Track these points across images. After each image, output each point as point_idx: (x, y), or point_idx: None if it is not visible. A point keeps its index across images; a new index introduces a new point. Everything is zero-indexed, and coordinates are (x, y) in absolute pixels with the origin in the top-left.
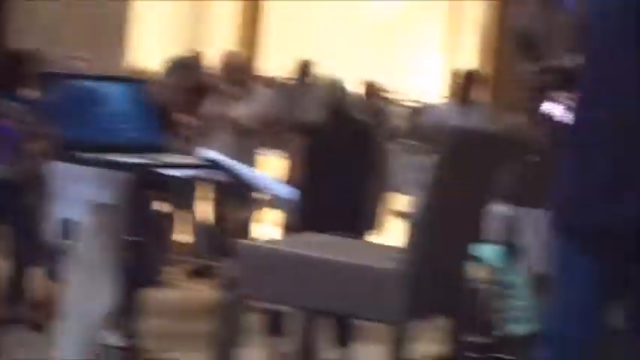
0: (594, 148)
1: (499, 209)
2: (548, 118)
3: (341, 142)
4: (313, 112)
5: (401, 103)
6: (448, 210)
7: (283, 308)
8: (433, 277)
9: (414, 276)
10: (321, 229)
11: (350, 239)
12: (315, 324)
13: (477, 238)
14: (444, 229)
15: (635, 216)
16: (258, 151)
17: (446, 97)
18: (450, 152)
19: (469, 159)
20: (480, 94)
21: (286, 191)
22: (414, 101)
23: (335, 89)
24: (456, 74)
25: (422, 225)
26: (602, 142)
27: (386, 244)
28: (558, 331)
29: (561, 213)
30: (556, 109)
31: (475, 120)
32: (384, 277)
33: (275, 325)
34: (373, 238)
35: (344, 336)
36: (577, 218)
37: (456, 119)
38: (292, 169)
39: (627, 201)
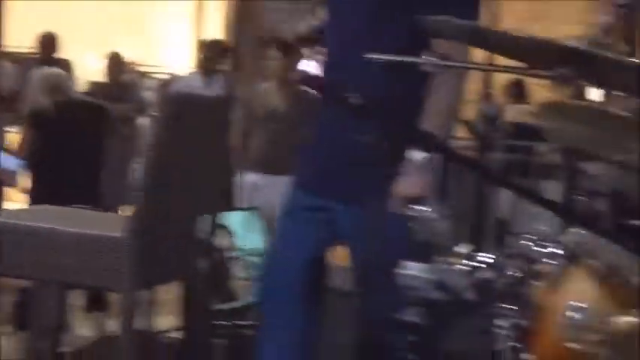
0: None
1: (245, 176)
2: (305, 76)
3: (70, 129)
4: (38, 103)
5: (152, 75)
6: (171, 175)
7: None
8: (162, 243)
9: (139, 243)
10: (59, 204)
11: (83, 210)
12: (63, 296)
13: (217, 205)
14: (169, 195)
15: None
16: (6, 128)
17: (193, 67)
18: (165, 116)
19: (187, 123)
20: (225, 64)
21: (16, 165)
22: (164, 73)
23: (54, 83)
24: (201, 45)
25: (145, 190)
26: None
27: (122, 214)
28: (278, 287)
29: (301, 171)
30: (310, 66)
31: (218, 89)
32: (110, 244)
33: (23, 302)
34: (126, 211)
35: (95, 308)
36: (311, 178)
37: (200, 89)
38: (26, 146)
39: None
